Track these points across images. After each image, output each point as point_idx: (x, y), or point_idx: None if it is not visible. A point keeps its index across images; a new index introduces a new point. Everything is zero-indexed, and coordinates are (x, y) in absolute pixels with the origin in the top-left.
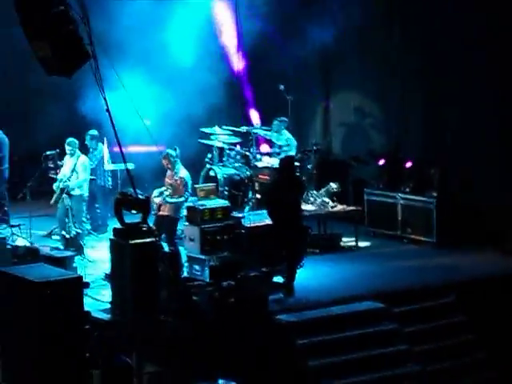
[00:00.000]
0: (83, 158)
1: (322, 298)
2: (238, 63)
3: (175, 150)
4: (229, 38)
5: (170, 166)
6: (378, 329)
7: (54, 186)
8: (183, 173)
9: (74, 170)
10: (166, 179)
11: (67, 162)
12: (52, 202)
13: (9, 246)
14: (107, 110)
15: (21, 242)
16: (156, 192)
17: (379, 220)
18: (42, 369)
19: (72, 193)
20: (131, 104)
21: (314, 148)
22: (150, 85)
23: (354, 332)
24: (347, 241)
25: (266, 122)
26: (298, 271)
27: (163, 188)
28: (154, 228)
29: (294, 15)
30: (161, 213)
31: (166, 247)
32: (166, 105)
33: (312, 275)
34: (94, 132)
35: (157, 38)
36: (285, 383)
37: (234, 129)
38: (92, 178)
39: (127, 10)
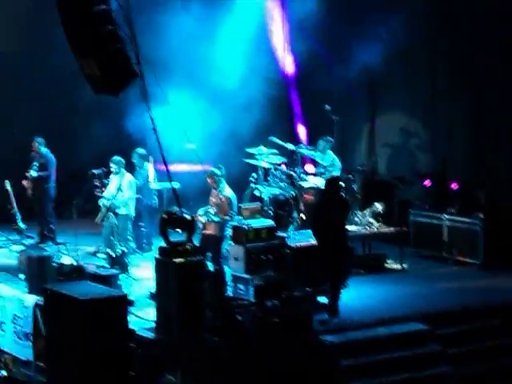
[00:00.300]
0: (129, 176)
1: (366, 318)
2: (285, 81)
3: (220, 168)
4: (276, 57)
5: (214, 184)
6: (421, 351)
7: (100, 204)
8: (228, 192)
9: (119, 189)
10: (211, 198)
11: (113, 181)
12: (97, 220)
13: (54, 264)
14: (154, 129)
15: (66, 259)
16: (201, 211)
17: (424, 241)
18: None
19: (117, 211)
20: (177, 122)
21: (360, 168)
22: (196, 102)
23: (397, 353)
24: (392, 262)
25: (310, 141)
26: (342, 292)
27: (208, 207)
28: (199, 247)
29: (341, 36)
30: (206, 232)
31: (210, 266)
32: (212, 123)
33: (356, 296)
34: (141, 150)
35: (203, 55)
36: None
37: (280, 143)
38: (138, 196)
39: (174, 27)
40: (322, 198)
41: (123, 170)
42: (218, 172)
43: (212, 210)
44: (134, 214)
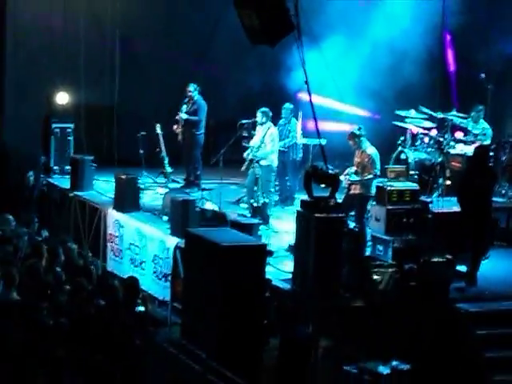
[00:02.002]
0: (273, 129)
1: (505, 291)
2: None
3: (360, 129)
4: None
5: (356, 145)
6: None
7: (245, 155)
8: (371, 150)
9: (262, 141)
10: (355, 158)
11: (258, 131)
12: (243, 169)
13: (198, 209)
14: (306, 82)
15: (209, 206)
16: (348, 170)
17: None
18: (220, 330)
19: (261, 163)
20: (330, 79)
21: (510, 140)
22: (352, 59)
23: None
24: None
25: (463, 108)
26: (482, 262)
27: (354, 168)
28: (344, 205)
29: (500, 4)
30: (352, 192)
31: (351, 224)
32: (366, 79)
33: (496, 268)
34: (289, 105)
35: (363, 11)
36: (459, 372)
37: (430, 112)
38: (284, 149)
39: None
40: (469, 166)
41: (269, 121)
42: (357, 132)
43: (353, 169)
44: (276, 167)
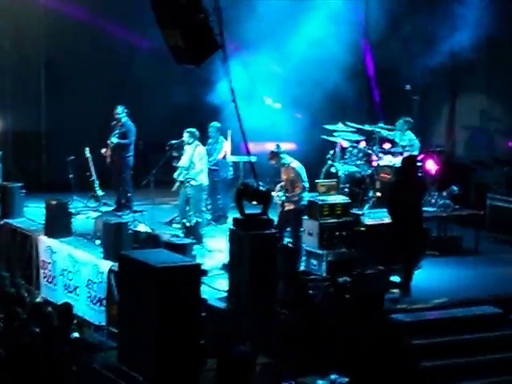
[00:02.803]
0: (200, 148)
1: (439, 299)
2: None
3: (278, 146)
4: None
5: (278, 162)
6: (494, 334)
7: (175, 176)
8: (294, 164)
9: (191, 160)
10: (282, 175)
11: (186, 151)
12: (173, 189)
13: (130, 231)
14: (233, 101)
15: (142, 227)
16: (278, 187)
17: (500, 225)
18: (157, 353)
19: (191, 182)
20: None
21: (437, 150)
22: (277, 76)
23: (469, 336)
24: (467, 245)
25: (390, 120)
26: (415, 272)
27: (282, 184)
28: (279, 222)
29: (423, 17)
30: (286, 208)
31: (285, 240)
32: (289, 97)
33: (430, 277)
34: (216, 124)
35: (285, 27)
36: (398, 383)
37: (358, 126)
38: (214, 168)
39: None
40: (398, 177)
41: (196, 141)
42: (275, 150)
43: (280, 186)
44: (207, 185)
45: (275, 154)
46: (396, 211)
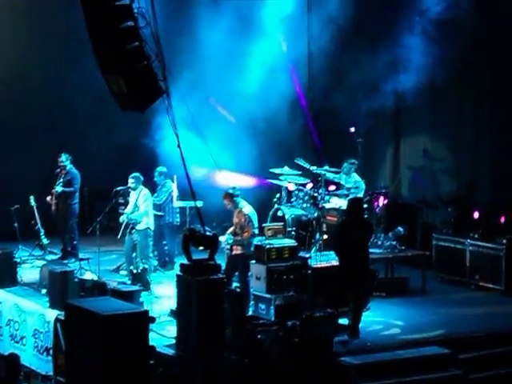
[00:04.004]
0: (145, 191)
1: (388, 341)
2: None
3: (234, 188)
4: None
5: (232, 204)
6: (443, 374)
7: (120, 220)
8: (247, 209)
9: (135, 204)
10: (234, 218)
11: (131, 197)
12: (119, 236)
13: (76, 280)
14: (178, 146)
15: (89, 275)
16: (227, 234)
17: (447, 265)
18: None
19: (137, 227)
20: (201, 143)
21: (383, 191)
22: (220, 121)
23: (418, 377)
24: (414, 285)
25: (335, 163)
26: (363, 314)
27: (232, 228)
28: (227, 267)
29: (365, 59)
30: (234, 252)
31: (233, 285)
32: (236, 142)
33: (378, 318)
34: (162, 168)
35: (228, 74)
36: None
37: (306, 165)
38: (160, 214)
39: (201, 44)
40: (344, 219)
41: (140, 185)
42: (231, 191)
43: (229, 231)
44: (152, 229)
45: (230, 196)
46: (342, 252)
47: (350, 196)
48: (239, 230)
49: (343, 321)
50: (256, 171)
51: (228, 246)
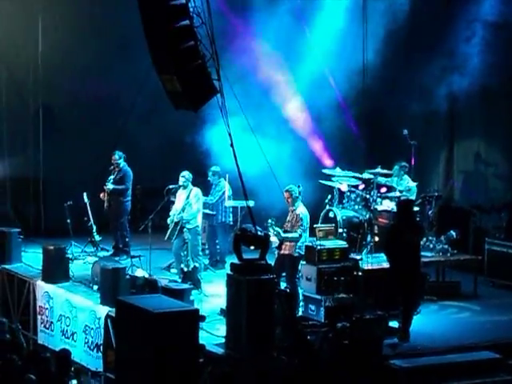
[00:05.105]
0: (196, 189)
1: (438, 345)
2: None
3: (299, 186)
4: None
5: (290, 200)
6: (492, 380)
7: (168, 221)
8: (300, 210)
9: (186, 203)
10: (288, 217)
11: (180, 196)
12: (166, 237)
13: (128, 277)
14: (231, 145)
15: (140, 272)
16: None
17: (499, 270)
18: None
19: (188, 226)
20: (255, 141)
21: (435, 194)
22: (272, 121)
23: (467, 381)
24: (465, 290)
25: (388, 165)
26: (414, 317)
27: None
28: (275, 266)
29: (421, 62)
30: (282, 251)
31: (282, 285)
32: (287, 142)
33: (428, 322)
34: (215, 168)
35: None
36: None
37: (355, 175)
38: (212, 213)
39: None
40: (395, 221)
41: (190, 184)
42: (295, 189)
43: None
44: (201, 229)
45: (292, 191)
46: (394, 255)
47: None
48: (290, 229)
49: (393, 323)
50: (310, 172)
51: (276, 245)
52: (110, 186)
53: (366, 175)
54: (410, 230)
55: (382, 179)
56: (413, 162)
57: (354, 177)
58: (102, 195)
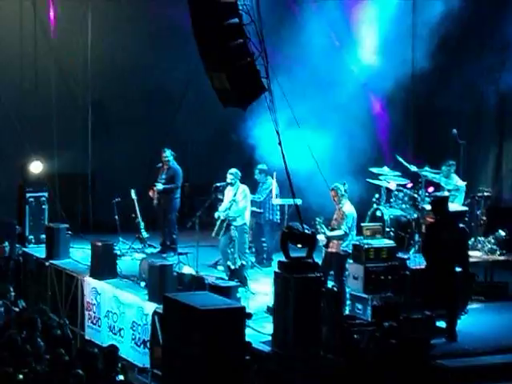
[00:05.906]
0: (243, 187)
1: (486, 346)
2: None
3: (344, 184)
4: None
5: (336, 198)
6: None
7: (216, 216)
8: (347, 208)
9: (233, 200)
10: (334, 215)
11: (227, 193)
12: (213, 234)
13: (175, 274)
14: (279, 144)
15: (187, 270)
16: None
17: None
18: None
19: (235, 223)
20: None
21: (484, 194)
22: (321, 120)
23: None
24: None
25: (436, 164)
26: (461, 317)
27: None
28: (323, 264)
29: (469, 61)
30: (329, 249)
31: (329, 283)
32: (335, 140)
33: (476, 322)
34: (262, 166)
35: (329, 73)
36: None
37: (404, 163)
38: (260, 211)
39: (301, 43)
40: (431, 221)
41: (238, 181)
42: (341, 187)
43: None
44: (249, 226)
45: (338, 189)
46: (431, 255)
47: (452, 198)
48: (336, 227)
49: (441, 323)
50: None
51: (323, 243)
52: (159, 186)
53: (413, 168)
54: (446, 228)
55: (429, 174)
56: (461, 162)
57: (401, 174)
58: (151, 193)
